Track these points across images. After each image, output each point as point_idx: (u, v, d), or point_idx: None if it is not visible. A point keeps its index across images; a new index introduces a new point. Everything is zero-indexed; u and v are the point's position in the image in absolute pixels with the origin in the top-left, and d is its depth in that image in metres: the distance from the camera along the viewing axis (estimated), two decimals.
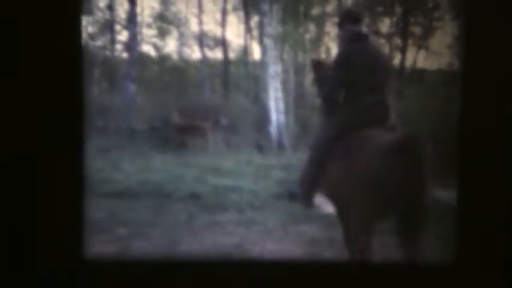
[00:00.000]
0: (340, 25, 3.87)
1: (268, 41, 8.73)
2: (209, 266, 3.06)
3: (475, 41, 2.81)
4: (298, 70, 9.28)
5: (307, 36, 9.44)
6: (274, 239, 4.78)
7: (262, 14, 8.72)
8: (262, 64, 8.97)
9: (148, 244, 4.65)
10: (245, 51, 9.92)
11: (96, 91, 9.15)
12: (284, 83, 8.73)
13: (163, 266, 3.12)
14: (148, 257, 3.94)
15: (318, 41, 9.50)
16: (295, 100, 8.92)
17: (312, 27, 9.57)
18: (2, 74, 2.66)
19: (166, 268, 3.13)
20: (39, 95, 2.67)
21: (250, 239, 4.83)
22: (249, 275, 2.88)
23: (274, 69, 8.53)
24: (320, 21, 9.56)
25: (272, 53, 8.69)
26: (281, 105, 8.48)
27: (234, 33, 10.15)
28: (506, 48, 2.77)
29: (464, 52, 2.84)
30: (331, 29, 9.55)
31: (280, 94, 8.52)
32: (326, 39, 9.78)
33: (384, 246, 4.50)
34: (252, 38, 9.95)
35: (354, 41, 3.69)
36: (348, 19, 3.78)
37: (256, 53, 9.87)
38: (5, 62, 2.66)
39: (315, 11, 9.73)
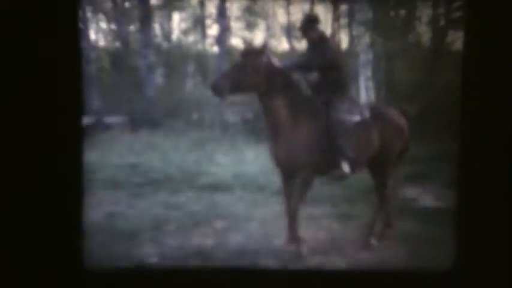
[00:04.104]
0: (311, 27, 4.52)
1: (358, 29, 8.60)
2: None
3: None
4: (390, 57, 9.03)
5: (398, 21, 9.17)
6: None
7: (352, 1, 8.57)
8: (351, 52, 8.84)
9: (244, 238, 4.76)
10: (333, 40, 9.80)
11: (190, 85, 9.40)
12: (374, 72, 8.55)
13: (161, 274, 3.14)
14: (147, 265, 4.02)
15: (408, 26, 9.20)
16: (387, 89, 8.71)
17: (402, 12, 9.28)
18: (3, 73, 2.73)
19: (163, 276, 3.14)
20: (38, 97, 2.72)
21: (346, 233, 4.82)
22: None
23: (365, 57, 8.39)
24: (411, 5, 9.24)
25: (363, 41, 8.54)
26: (372, 94, 8.33)
27: (322, 22, 10.04)
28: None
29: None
30: (423, 14, 9.20)
31: (371, 83, 8.36)
32: (417, 23, 9.44)
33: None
34: (339, 26, 9.82)
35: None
36: (317, 21, 4.55)
37: (344, 41, 9.75)
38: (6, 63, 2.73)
39: None
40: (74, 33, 2.73)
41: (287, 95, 4.37)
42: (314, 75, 4.62)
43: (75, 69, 2.78)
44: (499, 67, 2.60)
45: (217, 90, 4.27)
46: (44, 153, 2.78)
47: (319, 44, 4.51)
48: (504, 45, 2.54)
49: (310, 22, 4.56)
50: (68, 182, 2.81)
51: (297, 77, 4.61)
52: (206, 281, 3.12)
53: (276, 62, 4.44)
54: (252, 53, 4.37)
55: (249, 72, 4.29)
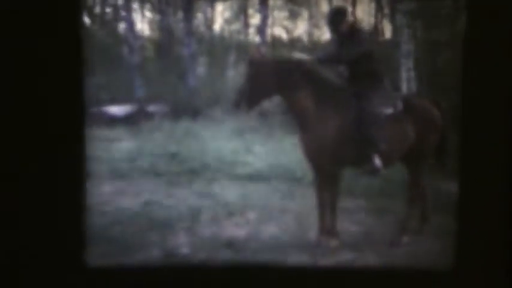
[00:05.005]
0: (340, 20, 4.43)
1: (400, 18, 8.43)
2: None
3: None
4: (433, 48, 8.82)
5: (444, 11, 8.93)
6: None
7: None
8: (394, 43, 8.68)
9: (278, 230, 4.80)
10: (376, 30, 9.64)
11: (231, 74, 9.44)
12: (417, 62, 8.36)
13: (162, 272, 3.16)
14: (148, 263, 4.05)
15: (454, 15, 8.95)
16: (429, 79, 8.52)
17: (448, 1, 9.03)
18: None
19: (164, 275, 3.16)
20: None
21: (380, 228, 4.79)
22: None
23: (407, 48, 8.22)
24: None
25: (405, 31, 8.36)
26: (414, 86, 8.16)
27: (365, 11, 9.87)
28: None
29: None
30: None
31: (413, 74, 8.20)
32: (463, 12, 9.16)
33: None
34: (383, 16, 9.65)
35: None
36: (346, 14, 4.49)
37: (387, 31, 9.56)
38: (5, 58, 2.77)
39: None
40: (76, 24, 2.78)
41: (311, 86, 4.36)
42: (344, 66, 4.57)
43: (76, 62, 2.84)
44: (499, 62, 2.58)
45: (239, 108, 4.50)
46: (45, 152, 2.86)
47: (351, 35, 4.46)
48: (507, 40, 2.51)
49: (338, 15, 4.50)
50: (69, 180, 2.88)
51: (325, 67, 4.57)
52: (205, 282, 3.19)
53: (294, 55, 4.51)
54: (253, 60, 4.41)
55: (260, 78, 4.34)
